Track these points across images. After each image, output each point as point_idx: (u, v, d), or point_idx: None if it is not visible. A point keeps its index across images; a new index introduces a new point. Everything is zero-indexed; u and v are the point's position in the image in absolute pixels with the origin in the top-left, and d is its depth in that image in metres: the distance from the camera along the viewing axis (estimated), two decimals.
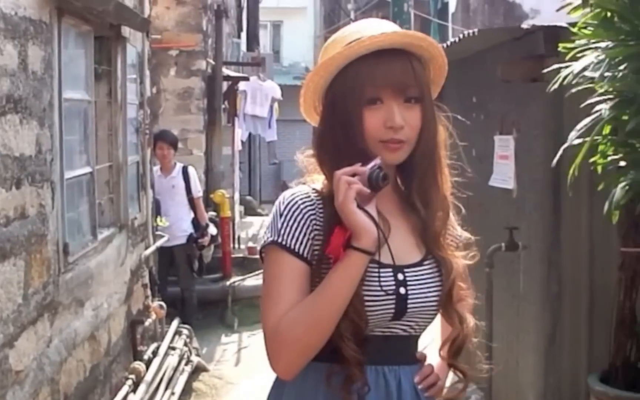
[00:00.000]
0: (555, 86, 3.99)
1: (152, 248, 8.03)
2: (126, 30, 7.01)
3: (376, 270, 2.09)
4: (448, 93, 6.62)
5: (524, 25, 5.29)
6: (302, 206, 2.12)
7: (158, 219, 8.77)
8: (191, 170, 9.91)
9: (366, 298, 2.08)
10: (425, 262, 2.21)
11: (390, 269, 2.13)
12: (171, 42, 11.94)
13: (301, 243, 2.09)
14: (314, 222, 2.11)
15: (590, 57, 3.82)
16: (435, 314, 2.24)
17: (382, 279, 2.09)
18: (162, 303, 7.89)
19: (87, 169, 6.16)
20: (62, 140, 5.34)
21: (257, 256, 9.65)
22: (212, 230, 10.17)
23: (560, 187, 5.02)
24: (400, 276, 2.14)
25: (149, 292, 7.73)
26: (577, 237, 5.07)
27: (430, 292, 2.19)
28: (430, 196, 2.20)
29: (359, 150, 2.09)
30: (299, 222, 2.10)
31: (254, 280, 11.34)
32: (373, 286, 2.09)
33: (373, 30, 2.16)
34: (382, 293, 2.09)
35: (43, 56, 5.00)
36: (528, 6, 16.40)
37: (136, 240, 7.60)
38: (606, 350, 4.48)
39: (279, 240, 2.09)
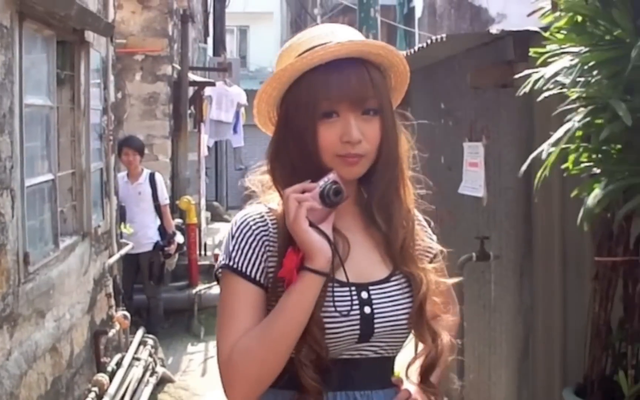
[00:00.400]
0: (526, 91, 3.91)
1: (116, 256, 7.89)
2: (90, 35, 6.89)
3: (337, 290, 2.00)
4: (416, 100, 6.56)
5: (493, 30, 5.21)
6: (254, 228, 2.04)
7: (122, 226, 8.63)
8: (158, 177, 9.80)
9: (327, 321, 1.98)
10: (393, 279, 2.10)
11: (352, 288, 2.02)
12: (136, 47, 11.81)
13: (254, 266, 2.01)
14: (267, 244, 2.02)
15: (561, 62, 3.74)
16: (408, 333, 2.13)
17: (339, 299, 1.99)
18: (126, 313, 7.74)
19: (49, 176, 6.04)
20: (22, 146, 5.22)
21: None
22: (179, 238, 10.06)
23: (532, 195, 4.95)
24: (364, 294, 2.04)
25: (113, 301, 7.59)
26: (550, 247, 4.99)
27: (399, 309, 2.07)
28: (393, 210, 2.10)
29: (313, 167, 2.01)
30: (251, 245, 2.02)
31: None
32: (334, 309, 1.99)
33: (329, 37, 2.07)
34: (344, 314, 1.99)
35: (3, 61, 4.88)
36: (494, 11, 16.41)
37: (100, 249, 7.46)
38: (581, 363, 4.40)
39: (231, 263, 2.01)
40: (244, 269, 1.99)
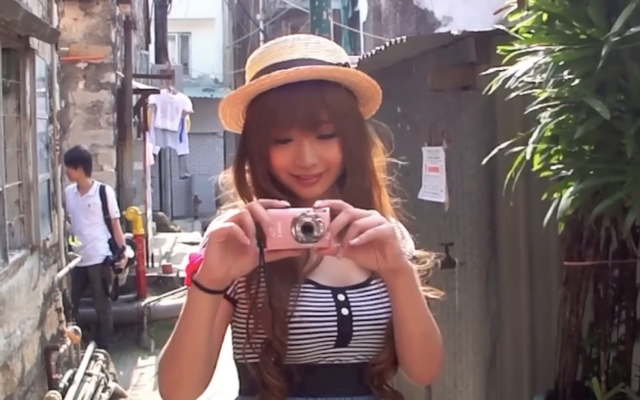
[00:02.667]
0: (490, 92, 3.83)
1: (65, 270, 7.70)
2: (35, 42, 6.70)
3: (312, 292, 1.97)
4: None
5: (454, 32, 5.12)
6: None
7: (71, 239, 8.42)
8: (109, 190, 9.65)
9: (303, 323, 1.93)
10: (373, 282, 2.03)
11: (327, 291, 1.98)
12: (79, 54, 11.57)
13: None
14: None
15: (529, 61, 3.67)
16: (388, 338, 2.04)
17: (313, 300, 1.95)
18: (77, 327, 7.56)
19: None
20: None
21: (173, 275, 9.41)
22: (129, 252, 9.86)
23: (496, 199, 4.87)
24: (340, 297, 1.98)
25: (63, 316, 7.39)
26: (516, 250, 4.92)
27: (379, 312, 2.01)
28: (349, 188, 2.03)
29: (271, 183, 1.98)
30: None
31: (170, 300, 11.14)
32: (309, 309, 1.95)
33: (287, 54, 2.01)
34: (320, 316, 1.94)
35: None
36: (440, 14, 16.43)
37: (48, 262, 7.27)
38: (550, 369, 4.33)
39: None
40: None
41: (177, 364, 1.90)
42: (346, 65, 2.04)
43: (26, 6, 6.17)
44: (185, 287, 1.92)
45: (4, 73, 6.12)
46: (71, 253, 8.26)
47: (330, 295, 1.98)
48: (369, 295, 2.02)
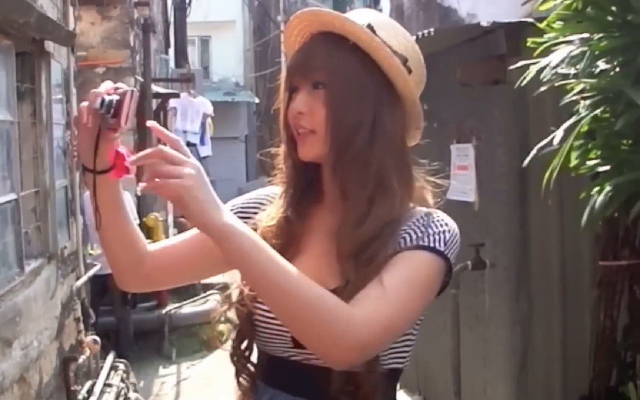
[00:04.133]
0: (522, 85, 3.64)
1: (84, 278, 7.57)
2: (50, 45, 6.58)
3: None
4: None
5: (484, 24, 4.93)
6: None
7: (89, 247, 8.27)
8: (127, 196, 9.43)
9: (264, 317, 1.90)
10: (344, 289, 1.80)
11: None
12: (97, 59, 11.42)
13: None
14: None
15: (563, 52, 3.47)
16: None
17: None
18: (96, 337, 7.43)
19: (12, 196, 5.75)
20: None
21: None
22: None
23: (528, 198, 4.70)
24: None
25: (81, 326, 7.27)
26: (547, 252, 4.73)
27: None
28: (350, 206, 1.86)
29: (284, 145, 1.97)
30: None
31: (191, 307, 11.04)
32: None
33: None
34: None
35: None
36: (464, 11, 16.27)
37: (66, 271, 7.15)
38: (583, 374, 4.15)
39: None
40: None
41: (100, 238, 1.97)
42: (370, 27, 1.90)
43: (41, 9, 6.03)
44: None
45: (19, 77, 6.01)
46: (90, 261, 8.12)
47: None
48: None
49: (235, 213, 1.85)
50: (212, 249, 1.77)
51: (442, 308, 5.64)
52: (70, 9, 7.65)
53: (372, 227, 1.82)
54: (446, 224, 1.89)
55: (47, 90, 6.62)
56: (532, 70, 3.56)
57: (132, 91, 1.79)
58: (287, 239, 1.91)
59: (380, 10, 16.64)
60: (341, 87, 1.86)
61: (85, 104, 1.78)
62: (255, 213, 2.01)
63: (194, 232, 1.99)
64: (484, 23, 4.88)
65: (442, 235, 1.85)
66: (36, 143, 6.49)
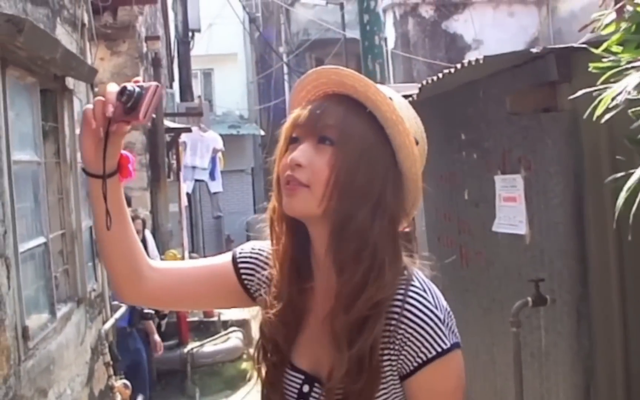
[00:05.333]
0: (597, 112, 3.42)
1: (111, 321, 7.34)
2: (70, 82, 6.37)
3: (287, 373, 1.87)
4: (433, 132, 6.03)
5: (534, 50, 4.72)
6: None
7: None
8: (149, 235, 9.36)
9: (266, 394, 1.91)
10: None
11: (295, 374, 1.86)
12: None
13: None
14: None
15: (636, 77, 3.25)
16: None
17: (285, 382, 1.87)
18: (127, 382, 7.18)
19: (41, 239, 5.57)
20: (14, 208, 4.70)
21: (214, 319, 9.03)
22: None
23: (585, 230, 4.46)
24: (305, 388, 1.84)
25: (111, 370, 7.00)
26: (607, 285, 4.50)
27: None
28: (343, 284, 1.77)
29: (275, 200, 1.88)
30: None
31: (213, 345, 10.89)
32: (274, 385, 1.89)
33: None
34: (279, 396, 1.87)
35: None
36: (470, 37, 16.27)
37: (94, 314, 6.95)
38: None
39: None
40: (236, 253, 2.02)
41: (98, 246, 1.97)
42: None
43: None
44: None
45: (42, 116, 5.78)
46: (115, 303, 7.89)
47: (299, 382, 1.85)
48: None
49: (244, 260, 1.97)
50: (221, 284, 1.95)
51: (490, 344, 5.44)
52: (88, 45, 7.45)
53: (363, 309, 1.74)
54: (432, 311, 1.76)
55: (70, 128, 6.45)
56: (606, 95, 3.34)
57: (157, 86, 1.77)
58: (294, 322, 1.86)
59: (385, 39, 16.54)
60: (352, 150, 1.77)
61: (89, 106, 1.79)
62: (263, 269, 1.96)
63: (204, 261, 2.04)
64: (533, 49, 4.67)
65: (438, 329, 1.75)
66: (61, 183, 6.33)
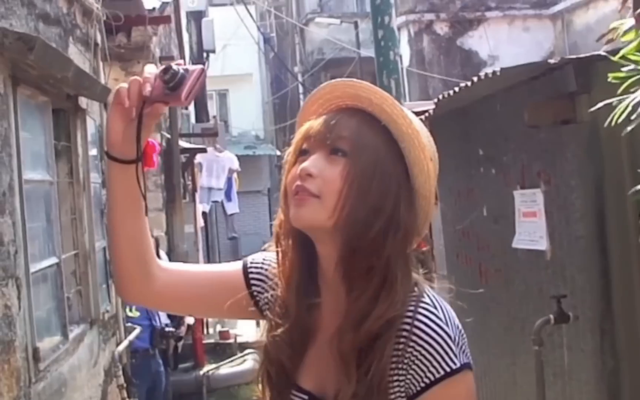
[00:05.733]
0: (617, 122, 3.33)
1: (125, 343, 7.27)
2: (83, 102, 6.33)
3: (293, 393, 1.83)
4: (449, 148, 5.95)
5: (552, 60, 4.65)
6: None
7: (128, 310, 7.97)
8: (163, 256, 9.25)
9: None
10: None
11: (298, 394, 1.82)
12: None
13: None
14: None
15: None
16: None
17: None
18: None
19: (53, 260, 5.53)
20: (25, 228, 4.67)
21: (231, 341, 8.99)
22: (190, 319, 9.42)
23: (608, 244, 4.37)
24: None
25: (125, 393, 6.94)
26: (631, 301, 4.40)
27: None
28: (353, 301, 1.73)
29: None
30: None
31: (229, 367, 10.91)
32: None
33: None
34: None
35: None
36: (485, 53, 16.26)
37: (107, 336, 6.90)
38: None
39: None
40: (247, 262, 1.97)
41: (108, 235, 1.93)
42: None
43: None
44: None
45: (55, 135, 5.75)
46: (129, 324, 7.83)
47: None
48: None
49: (255, 270, 1.94)
50: (230, 292, 1.89)
51: (510, 364, 5.34)
52: (101, 64, 7.42)
53: (373, 328, 1.70)
54: (443, 328, 1.70)
55: (83, 148, 6.42)
56: (623, 106, 3.25)
57: (202, 69, 1.74)
58: (300, 342, 1.82)
59: (400, 57, 16.50)
60: (365, 162, 1.74)
61: (124, 85, 1.74)
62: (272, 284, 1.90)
63: (215, 267, 2.04)
64: (551, 60, 4.60)
65: (448, 348, 1.68)
66: (74, 203, 6.29)
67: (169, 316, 8.94)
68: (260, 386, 1.87)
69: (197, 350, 10.99)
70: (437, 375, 1.66)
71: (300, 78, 21.91)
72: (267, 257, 1.94)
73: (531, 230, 5.10)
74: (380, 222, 1.71)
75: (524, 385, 5.13)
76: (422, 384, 1.66)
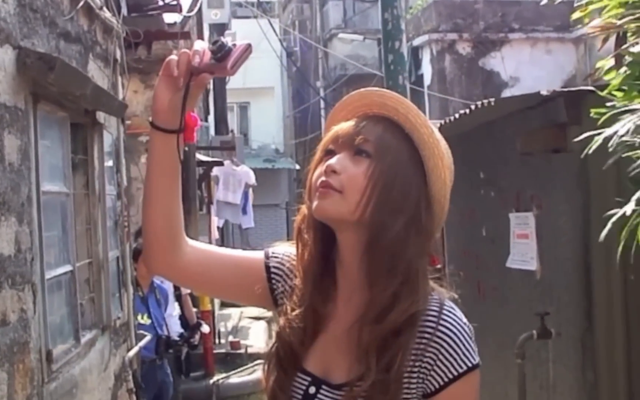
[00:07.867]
0: (590, 153, 3.53)
1: (135, 349, 7.47)
2: (101, 116, 6.57)
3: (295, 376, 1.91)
4: (455, 169, 6.17)
5: (543, 92, 4.86)
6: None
7: (140, 317, 8.19)
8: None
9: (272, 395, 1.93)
10: (345, 388, 1.83)
11: (303, 376, 1.90)
12: (141, 127, 11.38)
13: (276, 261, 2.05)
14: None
15: (629, 121, 3.37)
16: None
17: (293, 384, 1.90)
18: None
19: (68, 268, 5.74)
20: (41, 237, 4.91)
21: (241, 350, 9.13)
22: (205, 328, 9.59)
23: (592, 266, 4.57)
24: (312, 390, 1.88)
25: (134, 398, 7.15)
26: (611, 320, 4.60)
27: None
28: (375, 296, 1.82)
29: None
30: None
31: (239, 377, 10.89)
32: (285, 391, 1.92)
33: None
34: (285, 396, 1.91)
35: (19, 146, 4.58)
36: (507, 75, 16.33)
37: (119, 342, 7.10)
38: None
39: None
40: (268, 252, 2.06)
41: (144, 204, 1.98)
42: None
43: (93, 80, 6.04)
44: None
45: (72, 148, 5.99)
46: (141, 332, 8.03)
47: (305, 384, 1.89)
48: None
49: (275, 261, 2.03)
50: (249, 278, 1.99)
51: (502, 377, 5.53)
52: (119, 79, 7.66)
53: (397, 321, 1.80)
54: (466, 326, 1.85)
55: (100, 161, 6.62)
56: (598, 140, 3.45)
57: (249, 45, 1.83)
58: (312, 327, 1.90)
59: (422, 75, 16.66)
60: (388, 164, 1.85)
61: (173, 57, 1.84)
62: (290, 276, 2.01)
63: (237, 252, 2.10)
64: (543, 92, 4.80)
65: (469, 345, 1.82)
66: (89, 214, 6.50)
67: (183, 325, 9.14)
68: (266, 367, 1.95)
69: (208, 359, 11.07)
70: (461, 370, 1.78)
71: (322, 93, 22.04)
72: (287, 251, 2.04)
73: (523, 251, 5.31)
74: (402, 223, 1.82)
75: (515, 398, 5.32)
76: (446, 379, 1.78)
